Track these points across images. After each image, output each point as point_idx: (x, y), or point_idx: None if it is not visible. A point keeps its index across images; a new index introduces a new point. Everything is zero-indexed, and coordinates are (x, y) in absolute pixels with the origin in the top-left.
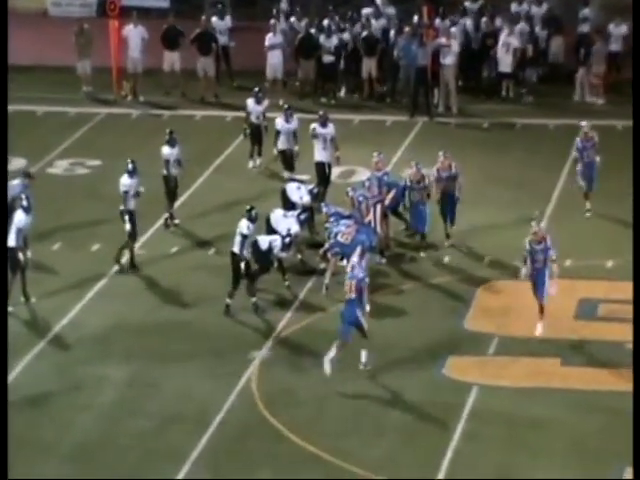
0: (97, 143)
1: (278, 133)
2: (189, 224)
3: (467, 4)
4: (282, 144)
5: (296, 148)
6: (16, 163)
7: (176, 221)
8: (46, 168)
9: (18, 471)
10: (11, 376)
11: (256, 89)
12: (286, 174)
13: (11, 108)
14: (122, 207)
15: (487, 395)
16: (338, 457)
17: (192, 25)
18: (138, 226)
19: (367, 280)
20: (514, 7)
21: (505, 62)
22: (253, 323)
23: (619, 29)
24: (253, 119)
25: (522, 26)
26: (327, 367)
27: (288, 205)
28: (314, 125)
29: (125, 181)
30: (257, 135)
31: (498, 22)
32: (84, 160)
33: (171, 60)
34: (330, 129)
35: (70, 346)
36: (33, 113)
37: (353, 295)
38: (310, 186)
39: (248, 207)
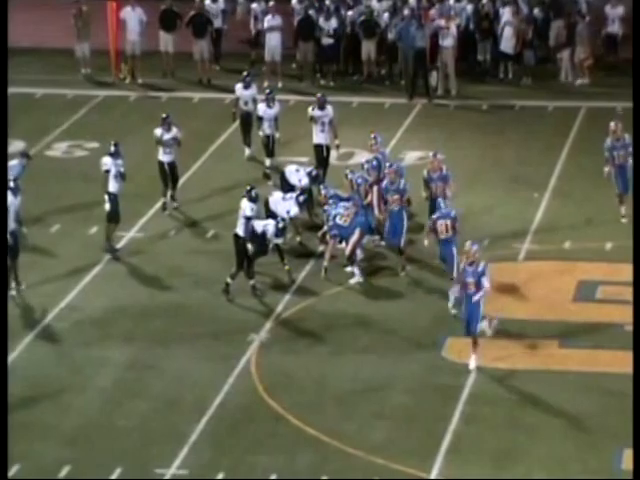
0: (95, 125)
1: (260, 119)
2: (187, 207)
3: None
4: (266, 129)
5: (277, 134)
6: (15, 145)
7: (175, 204)
8: (44, 150)
9: (18, 453)
10: (10, 359)
11: (244, 73)
12: (267, 161)
13: (10, 90)
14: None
15: (486, 377)
16: (337, 439)
17: (189, 7)
18: (133, 209)
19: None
20: None
21: (507, 42)
22: (252, 305)
23: (616, 10)
24: (242, 105)
25: (520, 7)
26: (453, 312)
27: (287, 188)
28: (311, 108)
29: (106, 160)
30: (246, 122)
31: (498, 4)
32: (82, 142)
33: (165, 42)
34: (328, 111)
35: (69, 329)
36: (32, 95)
37: (450, 234)
38: (309, 169)
39: (248, 187)
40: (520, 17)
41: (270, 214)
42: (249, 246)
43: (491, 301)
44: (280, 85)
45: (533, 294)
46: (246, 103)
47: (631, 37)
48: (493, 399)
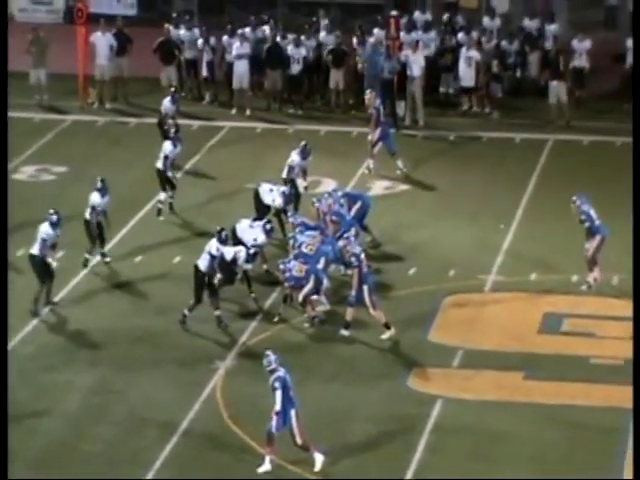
0: (63, 150)
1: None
2: (156, 232)
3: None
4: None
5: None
6: None
7: (107, 259)
8: (11, 174)
9: None
10: None
11: (172, 88)
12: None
13: None
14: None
15: (451, 408)
16: (302, 468)
17: (157, 33)
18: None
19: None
20: (486, 22)
21: (467, 77)
22: (217, 333)
23: (583, 44)
24: (168, 119)
25: (484, 40)
26: None
27: (260, 207)
28: (294, 158)
29: (44, 228)
30: (164, 134)
31: (460, 37)
32: (50, 166)
33: (120, 66)
34: (308, 161)
35: (34, 353)
36: None
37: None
38: (282, 188)
39: (219, 228)
40: (482, 50)
41: (237, 242)
42: (217, 275)
43: (458, 332)
44: (248, 113)
45: (499, 325)
46: (172, 117)
47: (598, 71)
48: (458, 430)
